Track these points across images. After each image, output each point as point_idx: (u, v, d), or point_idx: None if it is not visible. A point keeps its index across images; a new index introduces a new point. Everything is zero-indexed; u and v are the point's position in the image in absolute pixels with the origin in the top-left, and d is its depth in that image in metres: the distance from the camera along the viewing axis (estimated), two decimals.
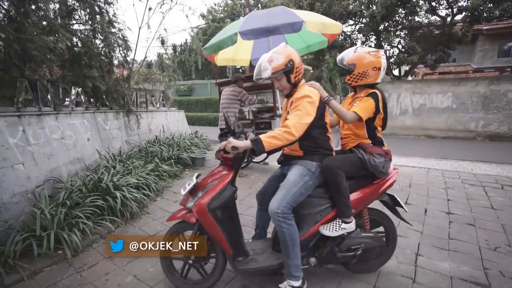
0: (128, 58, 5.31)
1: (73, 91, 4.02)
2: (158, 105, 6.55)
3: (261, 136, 1.62)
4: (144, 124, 5.85)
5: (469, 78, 10.10)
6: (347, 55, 1.98)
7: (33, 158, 3.09)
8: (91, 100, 4.57)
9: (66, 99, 4.04)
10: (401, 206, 2.01)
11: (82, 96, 4.18)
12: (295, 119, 1.66)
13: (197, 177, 1.83)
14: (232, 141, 1.63)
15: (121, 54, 5.06)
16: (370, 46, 12.95)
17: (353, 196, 1.86)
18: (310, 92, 1.75)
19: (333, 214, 1.85)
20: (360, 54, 1.93)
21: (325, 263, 1.93)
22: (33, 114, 3.28)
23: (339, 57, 2.06)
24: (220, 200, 1.76)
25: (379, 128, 2.01)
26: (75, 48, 4.18)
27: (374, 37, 12.41)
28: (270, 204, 1.69)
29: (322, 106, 1.80)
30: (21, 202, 2.80)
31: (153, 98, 6.43)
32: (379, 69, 1.90)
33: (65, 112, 3.84)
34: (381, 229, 2.12)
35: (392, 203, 2.06)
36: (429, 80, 11.57)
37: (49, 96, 3.56)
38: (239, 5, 20.99)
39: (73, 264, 2.35)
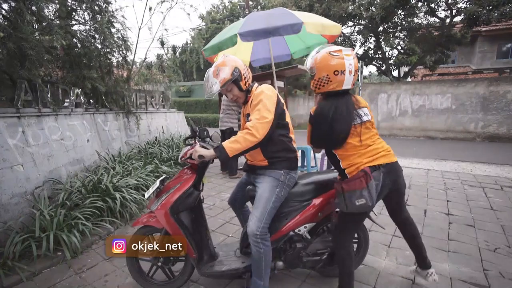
0: (128, 59, 5.31)
1: (73, 92, 4.02)
2: (157, 106, 6.55)
3: (224, 143, 1.60)
4: (144, 125, 5.85)
5: (468, 79, 10.14)
6: (309, 58, 1.68)
7: (32, 159, 3.09)
8: (91, 101, 4.57)
9: (66, 100, 4.04)
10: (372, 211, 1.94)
11: (81, 97, 4.18)
12: (255, 118, 1.61)
13: (163, 181, 1.81)
14: (199, 150, 1.61)
15: (120, 54, 5.06)
16: (369, 48, 13.06)
17: (319, 199, 1.82)
18: (266, 89, 1.70)
19: (299, 217, 1.81)
20: (321, 55, 1.59)
21: (292, 267, 1.91)
22: (33, 115, 3.28)
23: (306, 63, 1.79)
24: (183, 204, 1.75)
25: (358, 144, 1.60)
26: (75, 49, 4.17)
27: (373, 38, 12.46)
28: (248, 226, 1.67)
29: (281, 103, 1.73)
30: (20, 203, 2.80)
31: (152, 99, 6.43)
32: (343, 72, 1.53)
33: (65, 113, 3.84)
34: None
35: None
36: (429, 81, 11.61)
37: (48, 97, 3.56)
38: (238, 6, 21.06)
39: (72, 266, 2.35)
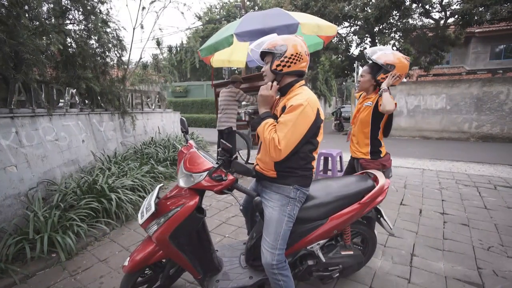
0: (123, 59, 5.28)
1: (67, 93, 3.98)
2: (153, 106, 6.52)
3: (266, 123, 1.44)
4: (140, 125, 5.82)
5: (462, 80, 10.25)
6: (384, 55, 2.07)
7: (26, 160, 3.05)
8: (86, 101, 4.54)
9: (60, 101, 4.00)
10: (385, 219, 1.92)
11: (76, 97, 4.14)
12: (287, 136, 1.36)
13: (158, 201, 1.57)
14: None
15: (116, 54, 5.03)
16: (365, 48, 13.13)
17: (337, 218, 1.69)
18: (311, 104, 1.40)
19: (312, 235, 1.68)
20: (399, 58, 2.06)
21: (300, 280, 1.87)
22: (26, 116, 3.24)
23: (371, 50, 2.16)
24: (184, 231, 1.56)
25: (380, 132, 2.19)
26: (69, 49, 4.13)
27: (369, 39, 12.53)
28: (262, 257, 1.50)
29: (319, 121, 1.45)
30: (13, 204, 2.76)
31: (148, 100, 6.40)
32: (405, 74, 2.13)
33: (59, 114, 3.80)
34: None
35: (377, 215, 1.96)
36: (424, 82, 11.72)
37: (43, 97, 3.52)
38: (235, 6, 21.06)
39: (67, 267, 2.32)
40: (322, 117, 1.48)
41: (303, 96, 1.42)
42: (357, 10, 11.14)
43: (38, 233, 2.44)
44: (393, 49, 2.15)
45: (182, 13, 6.76)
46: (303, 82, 1.55)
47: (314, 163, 1.60)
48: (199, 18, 22.01)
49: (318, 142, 1.53)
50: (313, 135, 1.48)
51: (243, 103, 4.88)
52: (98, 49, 4.72)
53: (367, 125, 2.18)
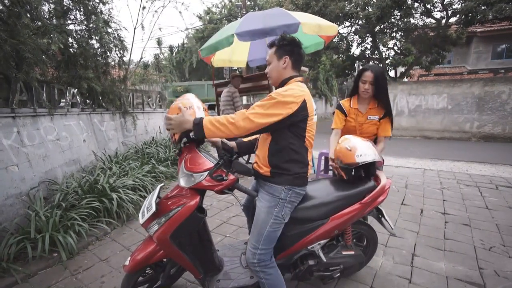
0: (124, 59, 5.29)
1: (69, 92, 3.99)
2: (154, 106, 6.53)
3: (207, 120, 1.33)
4: (141, 125, 5.83)
5: (463, 79, 10.22)
6: (368, 153, 1.80)
7: (27, 159, 3.06)
8: (87, 101, 4.55)
9: (62, 100, 4.01)
10: (386, 219, 1.90)
11: (78, 97, 4.15)
12: (251, 110, 1.34)
13: (159, 200, 1.57)
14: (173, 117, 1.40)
15: (117, 54, 5.05)
16: (366, 48, 13.14)
17: (338, 217, 1.67)
18: (292, 92, 1.38)
19: (313, 235, 1.67)
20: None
21: (301, 280, 1.87)
22: (28, 115, 3.25)
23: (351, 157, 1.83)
24: (185, 231, 1.55)
25: None
26: (70, 49, 4.14)
27: (370, 38, 12.51)
28: (246, 254, 1.52)
29: (302, 112, 1.41)
30: (15, 204, 2.77)
31: (149, 99, 6.41)
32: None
33: (61, 113, 3.81)
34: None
35: (378, 215, 1.95)
36: (425, 82, 11.68)
37: (44, 97, 3.53)
38: (236, 6, 21.07)
39: (68, 267, 2.33)
40: (309, 110, 1.44)
41: (290, 88, 1.43)
42: (358, 9, 11.11)
43: (40, 232, 2.44)
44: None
45: (180, 12, 6.83)
46: (298, 78, 1.54)
47: (310, 156, 1.57)
48: (200, 18, 22.03)
49: (305, 137, 1.49)
50: (297, 123, 1.43)
51: (244, 102, 4.88)
52: (99, 49, 4.72)
53: (374, 134, 2.33)
